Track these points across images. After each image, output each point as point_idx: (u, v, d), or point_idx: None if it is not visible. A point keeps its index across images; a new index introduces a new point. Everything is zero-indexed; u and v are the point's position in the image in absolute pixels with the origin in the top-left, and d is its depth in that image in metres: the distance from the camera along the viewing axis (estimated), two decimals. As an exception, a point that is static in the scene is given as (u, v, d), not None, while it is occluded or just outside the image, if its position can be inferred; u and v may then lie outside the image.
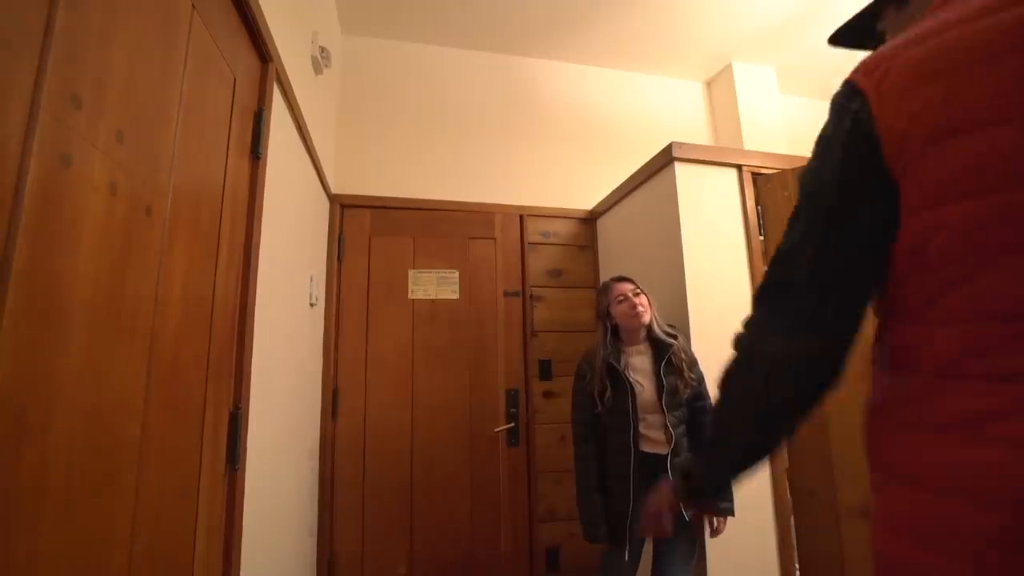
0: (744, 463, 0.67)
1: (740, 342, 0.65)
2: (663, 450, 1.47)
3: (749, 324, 0.64)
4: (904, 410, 0.52)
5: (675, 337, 1.57)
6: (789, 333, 0.58)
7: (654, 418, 1.50)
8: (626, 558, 1.44)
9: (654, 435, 1.49)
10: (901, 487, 0.51)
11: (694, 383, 1.53)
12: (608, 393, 1.50)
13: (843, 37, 0.78)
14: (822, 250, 0.55)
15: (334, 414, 2.05)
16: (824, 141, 0.58)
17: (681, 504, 0.79)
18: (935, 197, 0.48)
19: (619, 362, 1.54)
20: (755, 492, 1.70)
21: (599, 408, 1.51)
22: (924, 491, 0.48)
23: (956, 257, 0.47)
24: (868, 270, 0.55)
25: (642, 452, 1.47)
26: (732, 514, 1.47)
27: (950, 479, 0.46)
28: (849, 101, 0.55)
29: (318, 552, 1.91)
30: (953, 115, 0.46)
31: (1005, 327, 0.44)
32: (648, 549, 1.52)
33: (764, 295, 0.62)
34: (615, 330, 1.60)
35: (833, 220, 0.55)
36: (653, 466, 1.46)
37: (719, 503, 1.42)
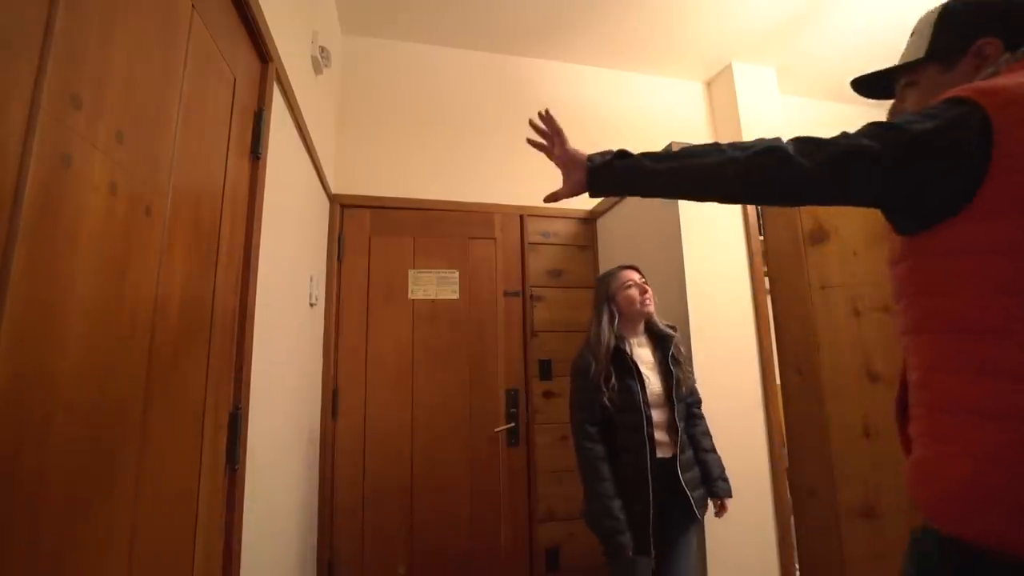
0: (672, 184, 0.80)
1: (792, 145, 0.72)
2: (668, 452, 1.41)
3: (781, 140, 0.72)
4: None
5: (674, 329, 1.56)
6: (806, 159, 0.69)
7: (660, 415, 1.43)
8: (652, 567, 1.35)
9: (659, 436, 1.42)
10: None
11: (691, 380, 1.53)
12: (613, 381, 1.41)
13: (863, 85, 0.90)
14: (858, 160, 0.65)
15: (334, 414, 2.05)
16: (945, 114, 0.63)
17: (584, 174, 0.87)
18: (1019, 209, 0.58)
19: (626, 348, 1.46)
20: (755, 492, 1.70)
21: (605, 396, 1.40)
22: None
23: (1008, 249, 0.58)
24: (868, 194, 0.69)
25: (656, 458, 1.38)
26: (730, 495, 1.47)
27: None
28: (968, 107, 0.61)
29: (318, 552, 1.91)
30: None
31: None
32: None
33: (846, 148, 0.68)
34: (616, 319, 1.52)
35: (902, 158, 0.63)
36: (661, 473, 1.38)
37: (720, 484, 1.43)
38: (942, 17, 0.77)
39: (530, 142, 0.96)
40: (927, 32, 0.78)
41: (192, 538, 0.85)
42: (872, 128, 0.68)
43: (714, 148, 0.77)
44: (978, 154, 0.59)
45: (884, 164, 0.65)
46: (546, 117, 0.95)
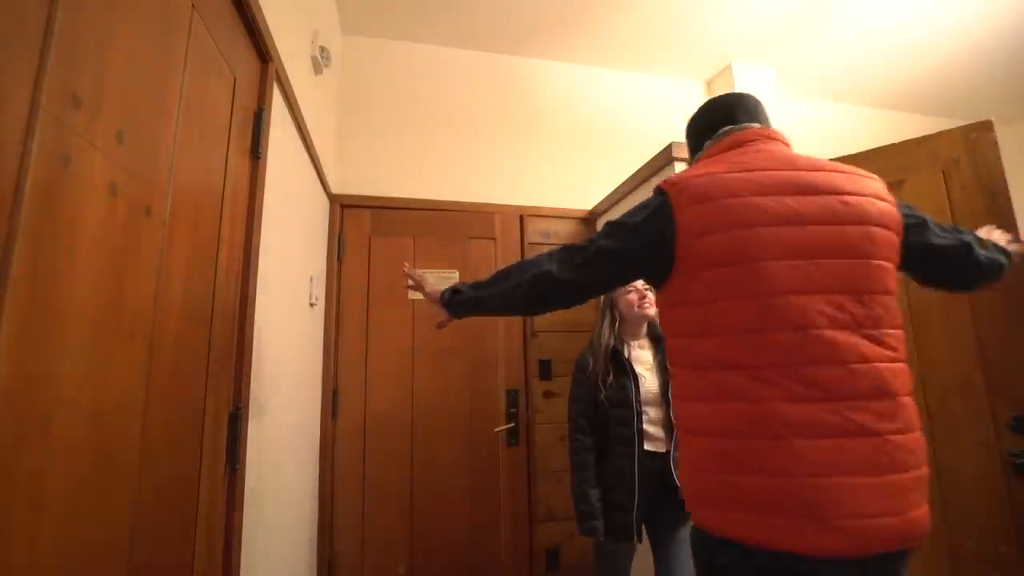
0: (492, 305, 1.02)
1: (543, 258, 0.95)
2: (662, 448, 1.47)
3: (552, 255, 0.94)
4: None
5: None
6: (564, 273, 0.91)
7: (655, 412, 1.49)
8: (636, 548, 1.46)
9: (654, 431, 1.48)
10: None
11: None
12: (611, 378, 1.49)
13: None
14: (605, 260, 0.89)
15: (334, 414, 2.05)
16: (645, 207, 0.87)
17: (443, 308, 1.09)
18: (700, 265, 0.80)
19: (623, 349, 1.55)
20: (755, 492, 1.69)
21: (602, 394, 1.49)
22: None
23: (711, 299, 0.79)
24: (614, 279, 0.96)
25: (644, 450, 1.46)
26: None
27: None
28: (660, 196, 0.86)
29: (318, 552, 1.91)
30: (712, 223, 0.79)
31: (738, 336, 0.77)
32: (646, 548, 1.52)
33: (572, 249, 0.93)
34: (618, 322, 1.62)
35: (624, 251, 0.87)
36: (652, 466, 1.45)
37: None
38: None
39: (408, 286, 1.22)
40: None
41: (192, 538, 0.85)
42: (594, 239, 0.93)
43: (510, 273, 0.98)
44: (669, 231, 0.81)
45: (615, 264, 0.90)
46: (408, 272, 1.19)
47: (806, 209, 0.77)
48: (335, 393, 2.06)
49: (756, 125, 0.92)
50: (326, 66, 1.81)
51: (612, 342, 1.55)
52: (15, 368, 0.46)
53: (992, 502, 1.39)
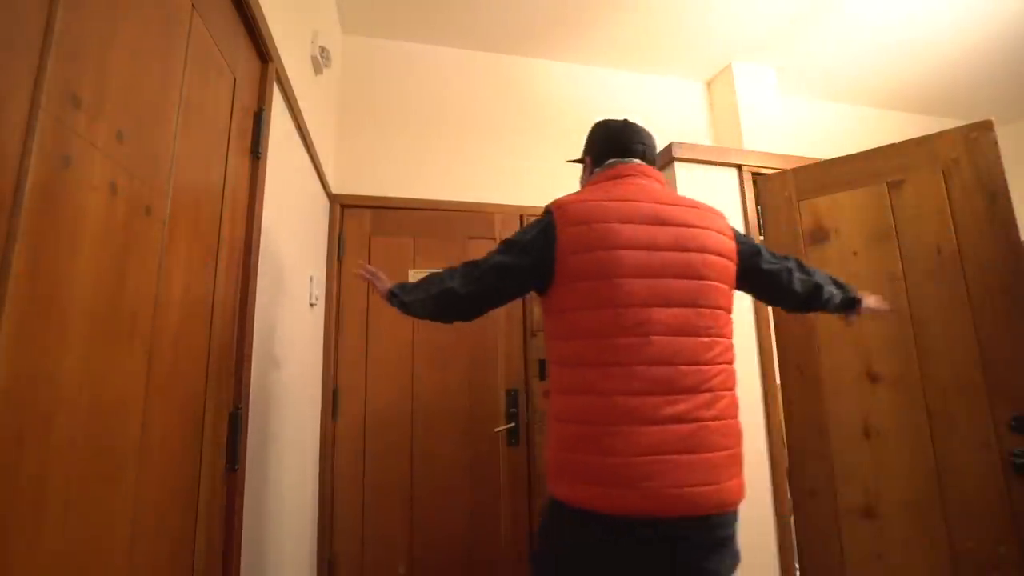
0: (415, 312, 1.12)
1: (448, 273, 1.05)
2: None
3: (456, 271, 1.04)
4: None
5: None
6: (464, 288, 1.01)
7: None
8: None
9: None
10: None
11: None
12: None
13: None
14: (500, 274, 1.00)
15: (334, 414, 2.05)
16: (534, 226, 1.01)
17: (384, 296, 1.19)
18: (571, 278, 0.94)
19: None
20: (755, 492, 1.70)
21: None
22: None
23: (577, 307, 0.93)
24: (508, 291, 1.03)
25: None
26: None
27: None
28: (547, 216, 0.99)
29: (318, 552, 1.91)
30: (583, 243, 0.93)
31: (587, 342, 0.91)
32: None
33: (471, 265, 1.03)
34: None
35: (517, 265, 0.99)
36: None
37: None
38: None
39: (363, 277, 1.30)
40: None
41: (192, 538, 0.85)
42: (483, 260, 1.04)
43: (429, 284, 1.07)
44: (551, 247, 0.94)
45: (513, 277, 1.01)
46: (363, 270, 1.30)
47: (658, 237, 0.94)
48: (335, 393, 2.06)
49: (637, 161, 1.10)
50: (326, 66, 1.81)
51: None
52: (15, 368, 0.46)
53: (992, 502, 1.39)
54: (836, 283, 1.21)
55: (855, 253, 1.69)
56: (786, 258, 1.15)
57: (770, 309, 1.84)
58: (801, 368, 1.76)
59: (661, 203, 0.99)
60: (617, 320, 0.88)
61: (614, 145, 1.13)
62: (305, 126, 1.56)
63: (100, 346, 0.59)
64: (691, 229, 0.97)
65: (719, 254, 0.99)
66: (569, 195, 1.03)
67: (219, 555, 0.96)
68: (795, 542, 1.70)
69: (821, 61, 2.69)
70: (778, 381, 1.80)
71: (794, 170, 1.86)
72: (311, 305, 1.82)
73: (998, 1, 2.28)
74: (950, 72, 2.81)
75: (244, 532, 1.03)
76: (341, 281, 2.14)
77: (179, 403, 0.81)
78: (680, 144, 1.85)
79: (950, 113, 3.21)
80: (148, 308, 0.70)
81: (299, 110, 1.47)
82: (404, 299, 1.13)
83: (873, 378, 1.62)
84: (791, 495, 1.73)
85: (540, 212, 1.04)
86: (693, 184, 1.84)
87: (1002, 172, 1.44)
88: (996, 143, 1.47)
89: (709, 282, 0.96)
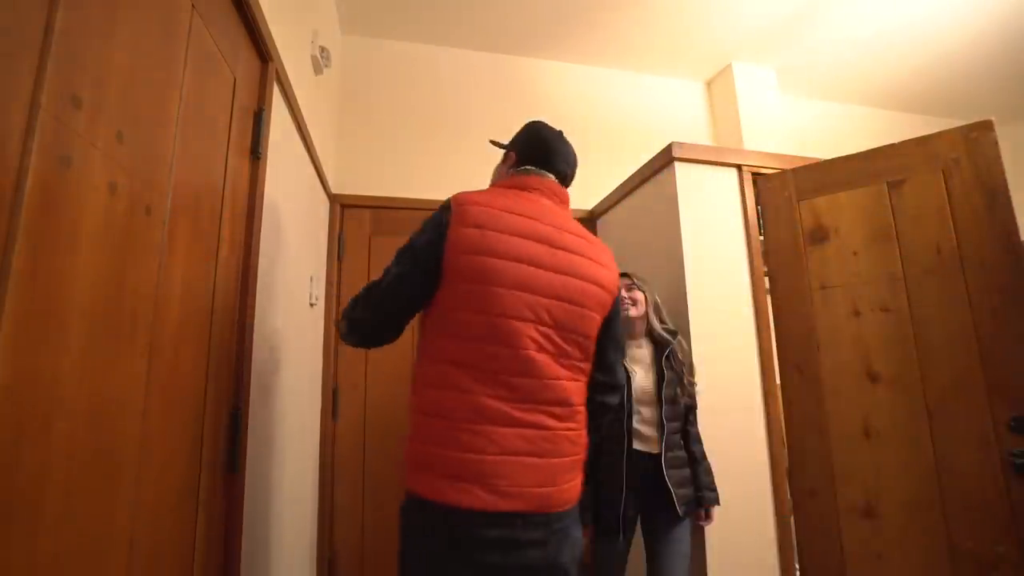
0: (346, 339, 1.06)
1: (349, 307, 1.03)
2: (655, 449, 1.47)
3: (358, 298, 1.02)
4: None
5: (673, 335, 1.58)
6: (376, 315, 1.01)
7: (648, 412, 1.49)
8: (628, 551, 1.46)
9: (647, 431, 1.48)
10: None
11: (690, 396, 1.54)
12: None
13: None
14: (396, 283, 0.98)
15: (334, 414, 2.05)
16: (430, 222, 0.99)
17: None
18: (455, 278, 0.94)
19: None
20: (755, 492, 1.70)
21: None
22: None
23: (456, 307, 0.94)
24: (415, 300, 0.99)
25: (633, 450, 1.47)
26: (718, 502, 1.52)
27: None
28: (445, 213, 0.97)
29: (318, 552, 1.91)
30: (472, 246, 0.93)
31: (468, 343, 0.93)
32: (641, 548, 1.52)
33: (371, 289, 1.01)
34: None
35: (408, 274, 0.97)
36: (643, 466, 1.46)
37: (706, 493, 1.52)
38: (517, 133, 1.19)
39: None
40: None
41: (192, 538, 0.85)
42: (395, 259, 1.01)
43: (353, 308, 1.03)
44: (441, 244, 0.94)
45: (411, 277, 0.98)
46: None
47: (546, 258, 0.97)
48: (335, 393, 2.06)
49: (552, 178, 1.10)
50: (326, 66, 1.81)
51: None
52: (15, 368, 0.46)
53: (991, 502, 1.39)
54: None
55: (855, 253, 1.69)
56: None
57: (770, 309, 1.84)
58: (801, 368, 1.76)
59: (558, 227, 1.01)
60: (491, 329, 0.92)
61: (538, 153, 1.12)
62: (305, 126, 1.56)
63: (100, 346, 0.59)
64: (580, 257, 1.01)
65: (600, 286, 1.03)
66: (475, 193, 1.01)
67: (219, 555, 0.96)
68: (795, 542, 1.70)
69: (821, 61, 2.69)
70: (778, 381, 1.80)
71: (794, 170, 1.86)
72: (311, 305, 1.82)
73: (998, 1, 2.28)
74: (950, 72, 2.81)
75: (244, 532, 1.03)
76: (341, 281, 2.14)
77: (179, 403, 0.81)
78: (680, 144, 1.85)
79: (950, 113, 3.21)
80: (148, 308, 0.70)
81: (299, 110, 1.47)
82: (341, 329, 1.08)
83: (873, 378, 1.62)
84: (791, 495, 1.73)
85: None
86: (693, 184, 1.84)
87: (1002, 172, 1.45)
88: (996, 143, 1.47)
89: (586, 310, 1.00)
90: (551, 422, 0.94)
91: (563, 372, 0.97)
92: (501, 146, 1.22)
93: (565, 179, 1.13)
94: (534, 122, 1.19)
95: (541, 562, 0.91)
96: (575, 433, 0.99)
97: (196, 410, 0.87)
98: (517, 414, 0.91)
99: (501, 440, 0.89)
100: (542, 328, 0.95)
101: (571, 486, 0.98)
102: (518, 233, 0.96)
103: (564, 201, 1.10)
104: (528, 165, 1.10)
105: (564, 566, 0.94)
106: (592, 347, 1.04)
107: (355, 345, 1.07)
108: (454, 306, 0.94)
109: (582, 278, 1.00)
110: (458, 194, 1.00)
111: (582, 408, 1.02)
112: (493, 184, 1.19)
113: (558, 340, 0.96)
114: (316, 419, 1.96)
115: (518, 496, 0.88)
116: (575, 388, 1.00)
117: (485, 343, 0.92)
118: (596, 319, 1.03)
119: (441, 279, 0.95)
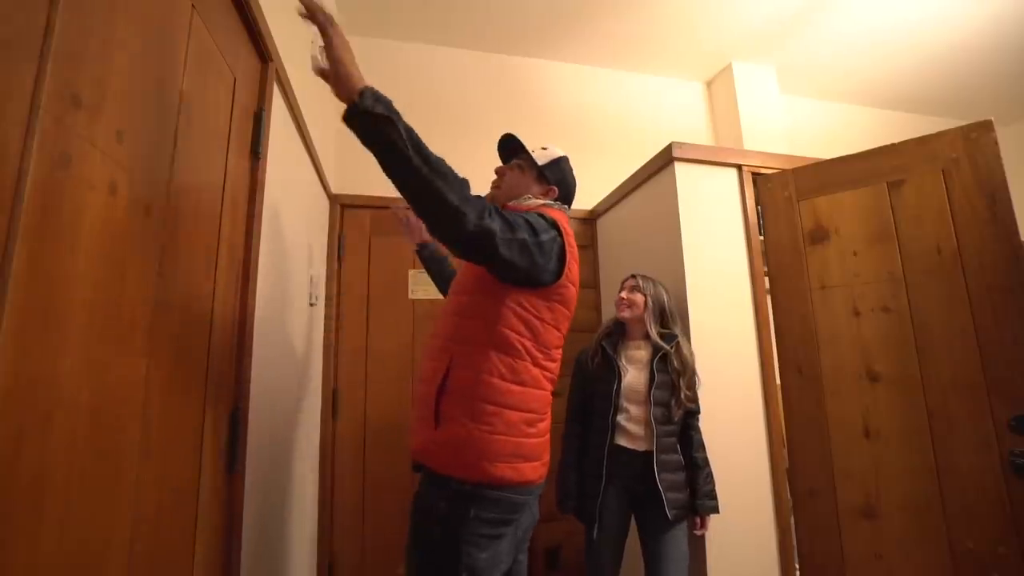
0: (412, 183, 1.01)
1: (483, 202, 1.04)
2: (641, 447, 1.47)
3: (494, 211, 1.02)
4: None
5: (669, 340, 1.56)
6: (479, 222, 1.00)
7: (636, 410, 1.50)
8: (594, 536, 1.49)
9: (633, 429, 1.49)
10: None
11: (690, 403, 1.54)
12: (598, 359, 1.61)
13: (501, 144, 1.36)
14: (539, 250, 1.02)
15: (334, 414, 2.05)
16: (546, 234, 1.04)
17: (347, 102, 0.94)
18: (556, 298, 1.08)
19: (612, 346, 1.60)
20: (755, 492, 1.70)
21: (589, 367, 1.62)
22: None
23: (550, 322, 1.08)
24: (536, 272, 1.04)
25: (616, 444, 1.50)
26: (717, 511, 1.51)
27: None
28: (557, 234, 1.06)
29: (318, 553, 1.91)
30: (575, 277, 1.12)
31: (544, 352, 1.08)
32: (639, 548, 1.52)
33: (509, 222, 1.00)
34: (619, 322, 1.66)
35: (546, 257, 1.03)
36: (627, 463, 1.48)
37: (705, 501, 1.51)
38: (554, 160, 1.25)
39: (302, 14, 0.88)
40: (541, 152, 1.26)
41: (192, 538, 0.85)
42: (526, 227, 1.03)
43: (451, 180, 1.00)
44: (561, 262, 1.05)
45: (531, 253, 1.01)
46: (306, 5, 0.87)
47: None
48: (335, 393, 2.06)
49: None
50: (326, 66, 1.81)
51: (604, 340, 1.63)
52: (15, 367, 0.46)
53: (992, 502, 1.39)
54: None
55: (855, 253, 1.69)
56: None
57: (770, 309, 1.84)
58: (801, 368, 1.76)
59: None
60: (556, 343, 1.11)
61: (571, 196, 1.28)
62: (305, 126, 1.56)
63: (100, 346, 0.59)
64: None
65: None
66: (563, 219, 1.13)
67: (219, 555, 0.96)
68: (795, 542, 1.70)
69: (821, 61, 2.69)
70: (778, 381, 1.80)
71: (794, 170, 1.86)
72: (311, 305, 1.82)
73: (998, 1, 2.28)
74: (950, 72, 2.81)
75: (244, 532, 1.03)
76: (341, 281, 2.14)
77: (179, 403, 0.81)
78: (680, 144, 1.85)
79: (950, 113, 3.21)
80: (148, 308, 0.70)
81: (299, 110, 1.47)
82: (409, 154, 0.93)
83: (873, 378, 1.62)
84: (791, 495, 1.73)
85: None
86: (693, 184, 1.84)
87: (1002, 172, 1.45)
88: (996, 143, 1.47)
89: None
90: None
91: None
92: (543, 177, 1.25)
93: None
94: (568, 161, 1.28)
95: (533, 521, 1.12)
96: None
97: (196, 410, 0.87)
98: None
99: (545, 424, 1.09)
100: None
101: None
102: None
103: None
104: (565, 204, 1.25)
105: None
106: None
107: (424, 193, 0.98)
108: (550, 320, 1.07)
109: None
110: (561, 221, 1.10)
111: None
112: (543, 207, 1.19)
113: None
114: (316, 419, 1.96)
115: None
116: None
117: (553, 351, 1.10)
118: None
119: (541, 285, 1.05)
